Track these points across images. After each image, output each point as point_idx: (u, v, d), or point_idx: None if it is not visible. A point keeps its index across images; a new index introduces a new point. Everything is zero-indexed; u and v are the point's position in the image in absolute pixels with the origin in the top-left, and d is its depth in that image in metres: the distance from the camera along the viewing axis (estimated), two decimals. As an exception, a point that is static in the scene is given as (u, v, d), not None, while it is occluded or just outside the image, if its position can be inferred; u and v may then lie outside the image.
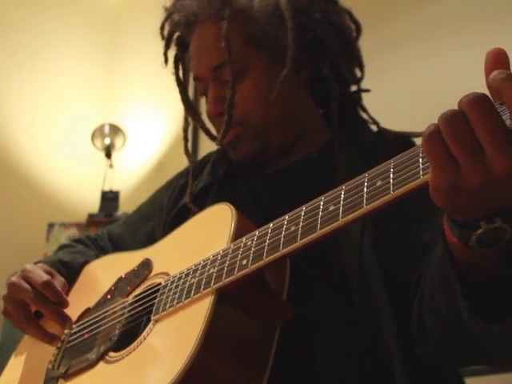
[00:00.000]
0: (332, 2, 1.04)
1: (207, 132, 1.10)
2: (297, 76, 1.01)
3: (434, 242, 0.81)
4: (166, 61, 1.13)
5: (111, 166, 3.43)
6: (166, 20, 1.10)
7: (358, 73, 1.09)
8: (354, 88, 1.10)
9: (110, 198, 3.31)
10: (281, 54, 0.98)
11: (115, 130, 3.48)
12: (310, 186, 0.99)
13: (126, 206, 3.26)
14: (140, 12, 3.79)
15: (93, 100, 3.70)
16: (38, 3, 3.54)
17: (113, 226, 1.28)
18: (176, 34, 1.10)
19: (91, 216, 3.24)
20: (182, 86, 1.12)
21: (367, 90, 1.10)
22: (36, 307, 0.97)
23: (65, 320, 0.97)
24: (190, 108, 1.12)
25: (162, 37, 1.11)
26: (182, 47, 1.10)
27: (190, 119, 1.12)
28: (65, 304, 0.97)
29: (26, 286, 0.97)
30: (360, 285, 0.86)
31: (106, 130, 3.46)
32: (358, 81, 1.09)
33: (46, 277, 0.98)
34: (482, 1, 2.45)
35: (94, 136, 3.47)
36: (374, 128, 1.08)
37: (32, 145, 3.40)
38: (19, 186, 3.33)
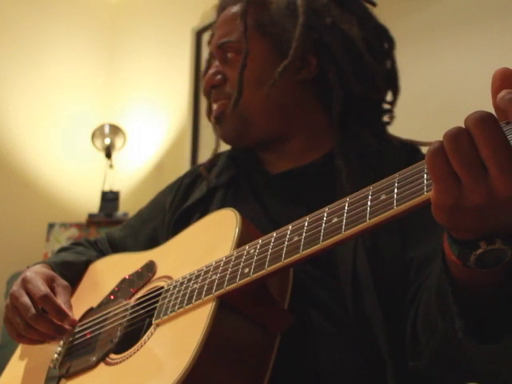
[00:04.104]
0: (351, 14, 1.03)
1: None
2: (296, 73, 1.02)
3: (432, 255, 0.81)
4: None
5: (111, 166, 3.42)
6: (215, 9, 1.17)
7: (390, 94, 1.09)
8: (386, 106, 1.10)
9: (109, 198, 3.31)
10: (284, 46, 1.00)
11: (115, 130, 3.47)
12: (313, 190, 0.99)
13: (126, 206, 3.26)
14: (140, 12, 3.80)
15: (93, 100, 3.70)
16: (37, 3, 3.54)
17: (112, 231, 1.28)
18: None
19: (91, 216, 3.23)
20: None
21: (390, 111, 1.09)
22: (30, 323, 0.95)
23: (61, 333, 0.96)
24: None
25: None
26: None
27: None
28: (64, 316, 0.96)
29: (25, 299, 0.96)
30: (354, 295, 0.86)
31: (106, 130, 3.46)
32: (380, 97, 1.07)
33: (44, 290, 0.96)
34: (479, 2, 2.45)
35: (94, 136, 3.47)
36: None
37: (32, 145, 3.40)
38: (19, 186, 3.33)
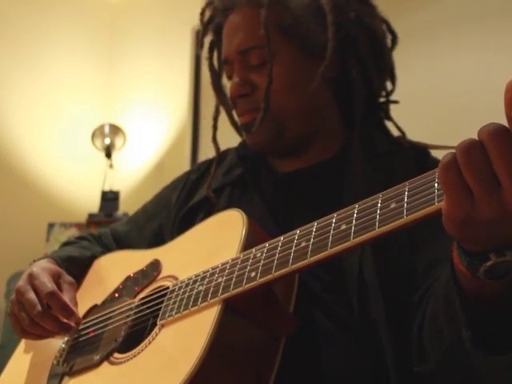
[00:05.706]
0: (368, 6, 1.02)
1: (234, 122, 1.10)
2: (324, 72, 0.99)
3: (440, 257, 0.81)
4: (202, 46, 1.12)
5: (111, 166, 3.43)
6: (206, 6, 1.09)
7: (389, 85, 1.07)
8: (382, 99, 1.08)
9: (109, 198, 3.31)
10: (310, 46, 0.98)
11: (115, 130, 3.47)
12: (322, 190, 0.98)
13: (126, 206, 3.26)
14: (140, 12, 3.80)
15: (93, 100, 3.70)
16: (37, 3, 3.54)
17: (116, 225, 1.27)
18: (215, 21, 1.09)
19: (91, 216, 3.24)
20: (214, 71, 1.11)
21: (396, 102, 1.08)
22: (36, 320, 0.95)
23: (66, 330, 0.96)
24: (221, 95, 1.10)
25: (202, 23, 1.10)
26: (219, 34, 1.08)
27: (220, 108, 1.11)
28: (70, 314, 0.96)
29: (31, 295, 0.96)
30: (359, 296, 0.85)
31: (106, 130, 3.46)
32: (387, 92, 1.07)
33: (50, 287, 0.96)
34: (479, 2, 2.45)
35: (94, 136, 3.47)
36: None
37: (32, 145, 3.40)
38: (19, 186, 3.33)
